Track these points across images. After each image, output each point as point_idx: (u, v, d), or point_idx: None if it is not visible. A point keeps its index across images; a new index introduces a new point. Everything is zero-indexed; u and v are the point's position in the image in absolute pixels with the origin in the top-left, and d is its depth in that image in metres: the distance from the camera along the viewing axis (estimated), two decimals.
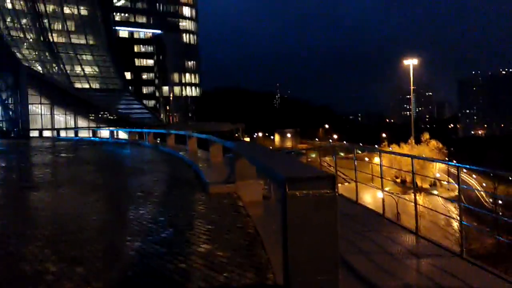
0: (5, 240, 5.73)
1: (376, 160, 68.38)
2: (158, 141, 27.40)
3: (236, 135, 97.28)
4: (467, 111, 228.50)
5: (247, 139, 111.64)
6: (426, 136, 76.01)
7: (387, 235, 6.11)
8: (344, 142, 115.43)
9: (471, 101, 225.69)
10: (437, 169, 71.02)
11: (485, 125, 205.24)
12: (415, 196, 6.80)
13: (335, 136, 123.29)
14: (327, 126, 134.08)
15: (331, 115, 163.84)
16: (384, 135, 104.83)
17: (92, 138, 37.61)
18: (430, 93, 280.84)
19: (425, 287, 4.21)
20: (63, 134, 48.55)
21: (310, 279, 3.32)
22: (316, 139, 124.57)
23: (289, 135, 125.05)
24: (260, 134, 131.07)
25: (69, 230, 6.18)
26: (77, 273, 4.40)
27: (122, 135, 38.80)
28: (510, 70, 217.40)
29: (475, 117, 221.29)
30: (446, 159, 72.02)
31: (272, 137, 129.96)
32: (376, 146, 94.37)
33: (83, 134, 46.07)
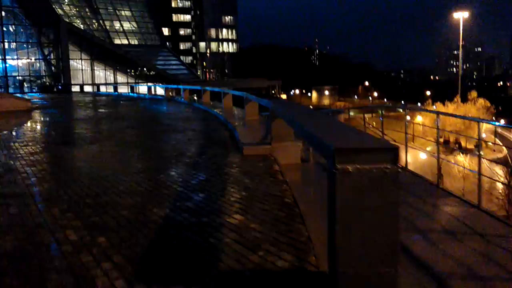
0: (29, 202, 5.44)
1: (418, 119, 66.14)
2: (194, 98, 27.08)
3: (273, 92, 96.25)
4: None
5: (284, 96, 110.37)
6: (474, 94, 72.65)
7: (444, 209, 5.43)
8: (385, 100, 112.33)
9: None
10: (484, 129, 68.21)
11: None
12: (479, 164, 5.87)
13: (375, 94, 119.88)
14: (366, 83, 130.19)
15: (371, 72, 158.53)
16: (428, 92, 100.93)
17: (130, 94, 37.82)
18: (479, 49, 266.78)
19: (492, 272, 3.58)
20: (102, 89, 49.17)
21: (362, 271, 2.76)
22: (355, 97, 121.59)
23: (327, 92, 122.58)
24: (297, 91, 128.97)
25: (96, 192, 5.85)
26: (98, 244, 4.02)
27: (159, 91, 38.77)
28: None
29: None
30: (494, 118, 68.96)
31: (309, 94, 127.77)
32: (419, 104, 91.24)
33: (122, 89, 46.45)
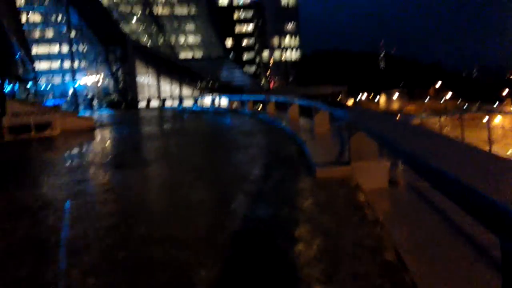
0: (50, 256, 4.30)
1: (497, 120, 60.88)
2: (258, 108, 25.96)
3: (340, 97, 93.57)
4: None
5: (351, 102, 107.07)
6: None
7: None
8: (459, 101, 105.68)
9: None
10: None
11: None
12: None
13: (448, 95, 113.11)
14: (438, 84, 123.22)
15: (442, 73, 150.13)
16: (506, 92, 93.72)
17: (194, 107, 37.54)
18: None
19: None
20: (168, 103, 49.70)
21: None
22: (426, 99, 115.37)
23: (395, 96, 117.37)
24: (364, 96, 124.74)
25: (135, 239, 4.63)
26: None
27: (224, 102, 38.21)
28: None
29: None
30: None
31: (376, 98, 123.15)
32: (496, 103, 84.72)
33: (187, 102, 46.58)
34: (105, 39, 53.83)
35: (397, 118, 18.97)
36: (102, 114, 35.20)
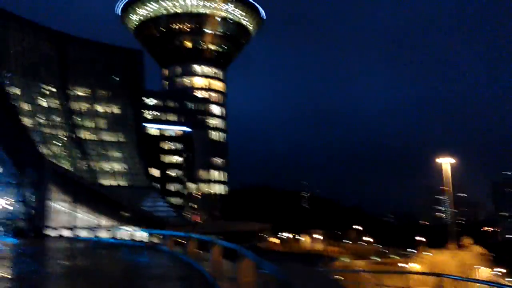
0: None
1: (412, 265, 62.37)
2: (178, 247, 24.22)
3: (265, 235, 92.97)
4: (505, 213, 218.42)
5: (277, 241, 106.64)
6: (468, 240, 70.07)
7: None
8: (381, 246, 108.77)
9: (508, 203, 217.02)
10: (485, 277, 64.21)
11: None
12: None
13: (369, 239, 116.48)
14: (359, 227, 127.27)
15: (363, 216, 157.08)
16: (420, 238, 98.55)
17: (111, 240, 34.78)
18: (463, 194, 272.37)
19: None
20: (83, 233, 45.89)
21: None
22: (349, 242, 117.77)
23: (318, 236, 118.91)
24: (288, 235, 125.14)
25: None
26: None
27: (143, 235, 35.78)
28: None
29: None
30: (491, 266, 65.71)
31: (301, 238, 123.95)
32: (412, 250, 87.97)
33: (104, 233, 43.29)
34: (20, 162, 50.90)
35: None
36: (4, 243, 31.29)
